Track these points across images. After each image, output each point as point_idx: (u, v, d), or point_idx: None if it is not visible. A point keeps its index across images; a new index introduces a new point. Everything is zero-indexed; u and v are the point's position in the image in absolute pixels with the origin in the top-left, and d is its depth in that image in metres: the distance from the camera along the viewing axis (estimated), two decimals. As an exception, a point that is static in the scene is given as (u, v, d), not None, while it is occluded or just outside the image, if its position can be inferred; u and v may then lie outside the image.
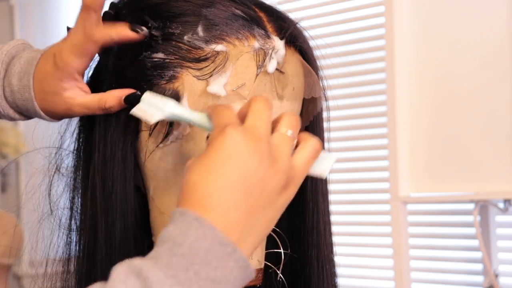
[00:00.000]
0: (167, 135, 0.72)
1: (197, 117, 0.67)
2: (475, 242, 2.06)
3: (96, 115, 0.75)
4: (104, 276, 0.70)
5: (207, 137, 0.68)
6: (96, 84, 0.77)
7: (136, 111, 0.68)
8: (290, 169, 0.61)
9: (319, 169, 0.66)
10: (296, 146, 0.64)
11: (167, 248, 0.56)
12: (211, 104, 0.68)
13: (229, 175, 0.58)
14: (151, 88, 0.71)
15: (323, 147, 0.66)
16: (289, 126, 0.63)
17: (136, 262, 0.56)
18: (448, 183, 2.09)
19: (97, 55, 0.78)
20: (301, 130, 0.79)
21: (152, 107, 0.68)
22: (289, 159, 0.62)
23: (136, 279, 0.54)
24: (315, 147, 0.64)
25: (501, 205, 2.01)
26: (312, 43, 0.79)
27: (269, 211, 0.60)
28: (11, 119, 0.79)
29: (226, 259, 0.56)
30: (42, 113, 0.76)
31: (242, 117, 0.63)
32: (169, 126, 0.72)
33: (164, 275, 0.54)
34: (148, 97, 0.69)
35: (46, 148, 0.82)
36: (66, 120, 0.80)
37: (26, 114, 0.78)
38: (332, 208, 0.83)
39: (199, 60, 0.71)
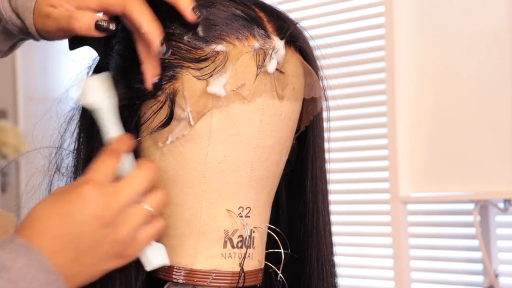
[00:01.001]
0: (166, 135, 0.72)
1: (107, 134, 0.70)
2: (475, 242, 2.06)
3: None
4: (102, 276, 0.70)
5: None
6: (97, 84, 0.77)
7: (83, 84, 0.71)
8: (130, 243, 0.66)
9: (151, 257, 0.70)
10: None
11: None
12: (121, 136, 0.70)
13: (66, 226, 0.63)
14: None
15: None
16: (153, 203, 0.67)
17: None
18: (448, 183, 2.09)
19: (97, 54, 0.78)
20: (301, 130, 0.80)
21: (95, 90, 0.70)
22: (133, 233, 0.66)
23: None
24: (161, 228, 0.68)
25: (501, 205, 2.01)
26: (312, 43, 0.79)
27: (93, 269, 0.65)
28: (7, 28, 0.77)
29: (49, 286, 0.61)
30: (32, 23, 0.74)
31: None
32: (168, 125, 0.72)
33: None
34: (100, 78, 0.70)
35: (46, 148, 0.82)
36: (66, 120, 0.80)
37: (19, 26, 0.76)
38: (332, 208, 0.83)
39: (199, 60, 0.71)
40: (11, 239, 0.63)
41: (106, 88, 0.71)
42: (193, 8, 0.69)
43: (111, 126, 0.70)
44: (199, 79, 0.71)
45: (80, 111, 0.78)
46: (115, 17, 0.76)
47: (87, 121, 0.77)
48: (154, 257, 0.70)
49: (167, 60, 0.71)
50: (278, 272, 0.79)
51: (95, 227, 0.63)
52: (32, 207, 0.65)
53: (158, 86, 0.70)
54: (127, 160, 0.69)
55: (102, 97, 0.70)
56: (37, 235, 0.62)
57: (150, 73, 0.70)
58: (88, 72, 0.79)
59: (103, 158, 0.67)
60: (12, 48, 0.81)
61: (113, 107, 0.71)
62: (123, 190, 0.65)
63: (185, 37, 0.71)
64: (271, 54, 0.72)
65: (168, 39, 0.71)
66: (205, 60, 0.71)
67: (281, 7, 0.78)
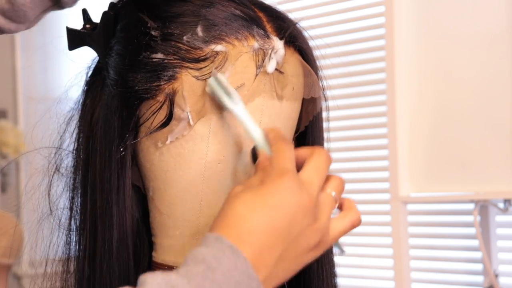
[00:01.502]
0: (166, 135, 0.72)
1: (255, 129, 0.68)
2: (475, 242, 2.06)
3: (94, 116, 0.75)
4: (102, 276, 0.70)
5: (254, 150, 0.69)
6: (97, 83, 0.77)
7: (213, 85, 0.69)
8: (326, 232, 0.64)
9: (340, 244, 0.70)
10: (340, 208, 0.67)
11: (200, 269, 0.58)
12: (272, 127, 0.69)
13: (275, 221, 0.61)
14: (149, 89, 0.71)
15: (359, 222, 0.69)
16: (335, 188, 0.66)
17: (172, 277, 0.57)
18: (448, 183, 2.09)
19: (96, 54, 0.78)
20: (300, 130, 0.80)
21: (221, 91, 0.69)
22: (328, 221, 0.64)
23: None
24: (355, 222, 0.67)
25: (501, 205, 2.01)
26: (311, 43, 0.79)
27: (295, 263, 0.63)
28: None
29: None
30: None
31: (300, 160, 0.65)
32: (168, 125, 0.72)
33: None
34: (222, 79, 0.69)
35: (45, 148, 0.82)
36: (66, 120, 0.80)
37: None
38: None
39: (198, 60, 0.71)
40: (216, 238, 0.60)
41: (223, 84, 0.70)
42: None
43: (253, 121, 0.69)
44: (199, 79, 0.71)
45: (80, 112, 0.78)
46: (115, 17, 0.76)
47: (87, 122, 0.77)
48: (337, 247, 0.69)
49: (166, 60, 0.71)
50: (278, 272, 0.79)
51: (301, 217, 0.61)
52: (227, 203, 0.62)
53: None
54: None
55: (228, 92, 0.69)
56: (247, 233, 0.60)
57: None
58: (87, 73, 0.79)
59: (282, 146, 0.64)
60: (38, 18, 0.79)
61: (239, 100, 0.70)
62: (315, 177, 0.63)
63: (185, 37, 0.71)
64: (271, 54, 0.72)
65: (167, 39, 0.71)
66: (204, 60, 0.71)
67: (281, 7, 0.78)
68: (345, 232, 0.66)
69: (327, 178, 0.66)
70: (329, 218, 0.64)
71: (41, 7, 0.76)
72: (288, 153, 0.64)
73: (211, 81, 0.70)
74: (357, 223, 0.67)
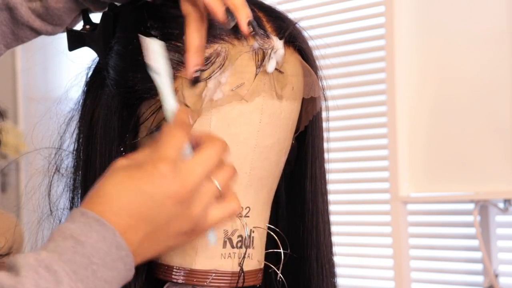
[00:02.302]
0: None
1: (170, 104, 0.67)
2: (475, 242, 2.05)
3: (94, 116, 0.75)
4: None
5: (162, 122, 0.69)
6: (97, 83, 0.77)
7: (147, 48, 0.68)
8: (201, 220, 0.65)
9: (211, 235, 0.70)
10: None
11: (69, 245, 0.59)
12: (183, 108, 0.68)
13: (141, 205, 0.62)
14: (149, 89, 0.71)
15: None
16: (222, 179, 0.65)
17: (43, 255, 0.59)
18: (448, 183, 2.09)
19: (96, 55, 0.78)
20: (300, 130, 0.80)
21: (157, 54, 0.68)
22: (204, 210, 0.65)
23: (47, 272, 0.57)
24: (233, 210, 0.67)
25: (501, 205, 2.01)
26: (311, 43, 0.79)
27: (162, 245, 0.65)
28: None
29: (119, 261, 0.61)
30: None
31: (195, 144, 0.66)
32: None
33: (69, 270, 0.58)
34: (160, 44, 0.68)
35: (46, 149, 0.82)
36: (66, 120, 0.80)
37: None
38: (332, 208, 0.83)
39: (198, 60, 0.71)
40: (82, 212, 0.61)
41: (164, 55, 0.69)
42: (248, 22, 0.69)
43: (171, 95, 0.68)
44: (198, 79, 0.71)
45: (80, 112, 0.78)
46: (115, 18, 0.76)
47: (87, 122, 0.77)
48: (213, 235, 0.69)
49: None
50: (278, 272, 0.79)
51: (170, 205, 0.62)
52: (102, 179, 0.63)
53: (198, 78, 0.70)
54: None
55: (164, 62, 0.68)
56: (111, 212, 0.61)
57: (193, 63, 0.69)
58: (87, 73, 0.79)
59: (173, 132, 0.65)
60: (74, 21, 0.80)
61: (171, 76, 0.69)
62: (196, 166, 0.64)
63: (184, 37, 0.71)
64: (270, 53, 0.72)
65: (166, 39, 0.72)
66: (204, 60, 0.71)
67: (281, 7, 0.78)
68: (222, 219, 0.66)
69: (219, 167, 0.66)
70: (206, 207, 0.64)
71: (75, 11, 0.78)
72: (175, 139, 0.64)
73: (142, 45, 0.68)
74: (235, 212, 0.67)
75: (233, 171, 0.67)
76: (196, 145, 0.66)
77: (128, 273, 0.62)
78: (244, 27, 0.68)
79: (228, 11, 0.68)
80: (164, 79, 0.68)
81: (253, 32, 0.69)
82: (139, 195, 0.62)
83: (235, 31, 0.70)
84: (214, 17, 0.69)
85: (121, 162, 0.65)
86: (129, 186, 0.62)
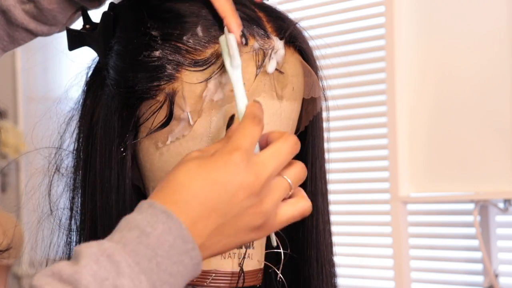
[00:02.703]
0: (166, 135, 0.72)
1: (242, 99, 0.67)
2: (475, 242, 2.05)
3: (94, 116, 0.75)
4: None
5: (232, 117, 0.69)
6: (97, 83, 0.77)
7: (222, 43, 0.68)
8: (272, 216, 0.63)
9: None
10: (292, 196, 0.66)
11: (134, 235, 0.58)
12: (255, 103, 0.67)
13: (214, 194, 0.61)
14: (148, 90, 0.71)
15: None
16: (294, 176, 0.64)
17: (106, 245, 0.58)
18: (448, 183, 2.09)
19: (96, 55, 0.78)
20: (300, 130, 0.80)
21: (226, 51, 0.68)
22: (276, 206, 0.63)
23: (108, 262, 0.56)
24: (306, 210, 0.66)
25: (501, 205, 2.01)
26: (311, 43, 0.79)
27: (232, 239, 0.63)
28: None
29: (185, 255, 0.59)
30: None
31: (263, 143, 0.65)
32: (168, 125, 0.72)
33: (132, 261, 0.57)
34: (231, 40, 0.68)
35: (46, 148, 0.82)
36: (66, 120, 0.80)
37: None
38: (332, 208, 0.83)
39: (198, 60, 0.71)
40: (150, 204, 0.60)
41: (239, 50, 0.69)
42: (242, 33, 0.69)
43: (243, 91, 0.68)
44: (198, 79, 0.71)
45: (80, 112, 0.78)
46: (115, 17, 0.76)
47: (87, 122, 0.77)
48: (274, 237, 0.68)
49: (166, 60, 0.71)
50: (278, 272, 0.79)
51: (243, 197, 0.61)
52: (172, 170, 0.62)
53: (246, 37, 0.69)
54: None
55: (239, 57, 0.68)
56: (183, 201, 0.60)
57: (236, 24, 0.69)
58: (87, 73, 0.79)
59: (248, 124, 0.63)
60: (70, 20, 0.80)
61: (239, 74, 0.69)
62: (270, 160, 0.62)
63: (185, 37, 0.71)
64: (271, 54, 0.72)
65: (167, 39, 0.72)
66: (204, 60, 0.71)
67: (281, 7, 0.78)
68: (293, 219, 0.65)
69: (289, 164, 0.65)
70: (277, 203, 0.63)
71: (70, 10, 0.77)
72: (250, 131, 0.63)
73: (220, 39, 0.69)
74: (307, 212, 0.66)
75: (304, 169, 0.66)
76: (264, 143, 0.66)
77: (195, 268, 0.60)
78: (237, 38, 0.68)
79: (244, 34, 0.68)
80: (238, 73, 0.68)
81: (245, 42, 0.69)
82: (212, 184, 0.60)
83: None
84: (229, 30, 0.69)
85: (193, 153, 0.64)
86: (202, 174, 0.61)
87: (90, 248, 0.57)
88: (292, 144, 0.64)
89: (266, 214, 0.62)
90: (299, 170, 0.65)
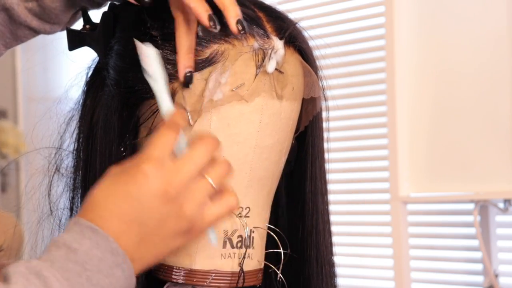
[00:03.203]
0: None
1: (164, 105, 0.67)
2: (475, 242, 2.05)
3: (94, 116, 0.75)
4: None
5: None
6: (97, 83, 0.77)
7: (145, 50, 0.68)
8: (197, 218, 0.64)
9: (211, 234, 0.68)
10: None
11: (62, 253, 0.59)
12: (178, 110, 0.68)
13: (128, 206, 0.62)
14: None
15: None
16: (216, 175, 0.65)
17: (34, 263, 0.59)
18: (448, 183, 2.09)
19: (96, 55, 0.78)
20: (300, 130, 0.80)
21: (153, 59, 0.68)
22: (199, 207, 0.63)
23: (37, 278, 0.57)
24: (231, 206, 0.66)
25: (501, 205, 2.01)
26: (311, 43, 0.79)
27: (161, 247, 0.63)
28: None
29: (115, 268, 0.60)
30: None
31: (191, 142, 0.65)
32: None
33: (61, 276, 0.58)
34: (155, 49, 0.68)
35: (46, 148, 0.82)
36: (66, 120, 0.80)
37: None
38: (332, 208, 0.83)
39: (197, 60, 0.71)
40: (75, 221, 0.61)
41: (160, 60, 0.69)
42: (237, 21, 0.69)
43: (166, 99, 0.68)
44: (198, 79, 0.71)
45: (80, 112, 0.78)
46: (115, 17, 0.76)
47: (87, 122, 0.77)
48: (213, 234, 0.68)
49: (165, 60, 0.71)
50: (278, 272, 0.79)
51: (159, 205, 0.62)
52: (92, 190, 0.63)
53: (189, 79, 0.69)
54: (182, 136, 0.66)
55: (158, 67, 0.68)
56: (101, 217, 0.61)
57: (184, 65, 0.69)
58: (87, 73, 0.79)
59: (161, 133, 0.64)
60: (72, 19, 0.80)
61: (166, 80, 0.69)
62: (184, 164, 0.63)
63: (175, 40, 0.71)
64: (271, 54, 0.72)
65: (167, 39, 0.71)
66: (203, 60, 0.71)
67: (281, 7, 0.78)
68: (222, 216, 0.65)
69: (212, 162, 0.65)
70: (200, 204, 0.63)
71: (72, 10, 0.77)
72: (162, 140, 0.63)
73: (138, 51, 0.68)
74: (234, 206, 0.66)
75: (227, 167, 0.66)
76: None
77: (128, 281, 0.61)
78: (233, 26, 0.68)
79: (212, 17, 0.68)
80: (159, 83, 0.68)
81: (243, 31, 0.69)
82: (126, 198, 0.62)
83: (226, 31, 0.70)
84: (200, 22, 0.69)
85: (112, 169, 0.64)
86: (115, 190, 0.62)
87: (19, 267, 0.58)
88: (209, 146, 0.65)
89: (189, 217, 0.63)
90: (221, 168, 0.65)
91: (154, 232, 0.62)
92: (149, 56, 0.68)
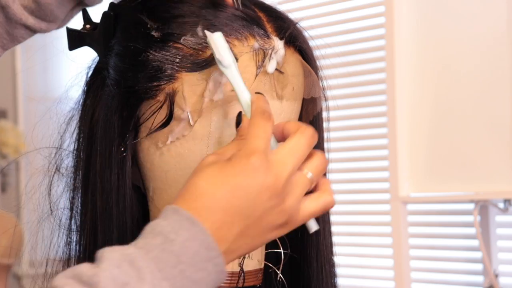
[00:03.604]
0: (166, 135, 0.72)
1: (244, 94, 0.67)
2: (475, 242, 2.06)
3: (94, 116, 0.75)
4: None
5: (239, 115, 0.68)
6: (97, 83, 0.77)
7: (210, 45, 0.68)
8: (294, 212, 0.63)
9: (311, 222, 0.68)
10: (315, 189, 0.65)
11: (158, 242, 0.58)
12: (259, 95, 0.67)
13: (236, 199, 0.61)
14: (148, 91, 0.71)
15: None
16: (314, 169, 0.64)
17: (130, 250, 0.57)
18: (448, 183, 2.09)
19: (96, 55, 0.78)
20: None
21: (225, 47, 0.67)
22: (298, 202, 0.63)
23: (130, 267, 0.56)
24: (328, 204, 0.65)
25: (501, 205, 2.01)
26: (312, 43, 0.79)
27: (257, 240, 0.63)
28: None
29: (208, 262, 0.59)
30: None
31: (279, 134, 0.65)
32: (168, 125, 0.72)
33: (155, 267, 0.57)
34: (217, 39, 0.68)
35: (46, 148, 0.82)
36: (66, 120, 0.80)
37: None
38: (332, 208, 0.83)
39: (198, 60, 0.71)
40: (174, 210, 0.60)
41: (227, 46, 0.68)
42: None
43: (243, 86, 0.67)
44: (199, 80, 0.71)
45: (80, 112, 0.78)
46: (115, 17, 0.76)
47: (87, 122, 0.77)
48: (313, 222, 0.67)
49: (166, 60, 0.71)
50: (278, 272, 0.79)
51: (265, 198, 0.61)
52: (192, 176, 0.62)
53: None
54: None
55: (228, 54, 0.68)
56: (205, 208, 0.60)
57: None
58: (88, 73, 0.79)
59: (259, 122, 0.63)
60: (68, 16, 0.80)
61: (237, 67, 0.68)
62: (289, 158, 0.62)
63: (184, 38, 0.71)
64: (271, 54, 0.72)
65: (167, 39, 0.71)
66: (204, 60, 0.71)
67: (281, 7, 0.78)
68: (316, 213, 0.65)
69: (309, 156, 0.65)
70: (299, 199, 0.63)
71: (68, 6, 0.77)
72: (262, 129, 0.63)
73: (208, 41, 0.68)
74: (330, 205, 0.66)
75: (325, 160, 0.65)
76: (280, 134, 0.66)
77: (218, 275, 0.60)
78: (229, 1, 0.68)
79: None
80: (232, 70, 0.68)
81: (237, 6, 0.69)
82: (234, 190, 0.61)
83: (226, 32, 0.70)
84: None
85: (209, 158, 0.64)
86: (223, 180, 0.61)
87: (113, 253, 0.57)
88: (309, 137, 0.64)
89: (289, 211, 0.63)
90: (319, 162, 0.65)
91: (254, 225, 0.62)
92: (217, 43, 0.67)
